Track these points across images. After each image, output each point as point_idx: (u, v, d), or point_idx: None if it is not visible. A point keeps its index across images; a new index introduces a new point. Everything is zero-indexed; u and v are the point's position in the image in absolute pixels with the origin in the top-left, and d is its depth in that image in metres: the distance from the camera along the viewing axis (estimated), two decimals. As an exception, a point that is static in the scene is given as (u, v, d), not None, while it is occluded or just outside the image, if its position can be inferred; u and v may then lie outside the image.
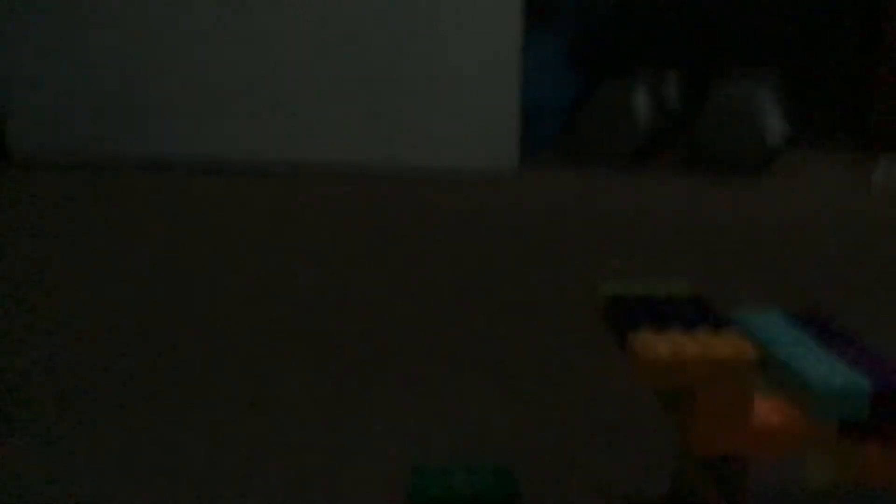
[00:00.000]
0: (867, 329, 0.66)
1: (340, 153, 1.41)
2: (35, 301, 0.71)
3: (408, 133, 1.40)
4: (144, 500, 0.40)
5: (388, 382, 0.56)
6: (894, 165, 1.39)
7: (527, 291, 0.76)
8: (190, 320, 0.67)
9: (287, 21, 1.39)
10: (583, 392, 0.55)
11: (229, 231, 0.97)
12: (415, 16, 1.36)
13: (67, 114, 1.42)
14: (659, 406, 0.54)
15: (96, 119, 1.43)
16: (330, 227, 1.01)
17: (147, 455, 0.45)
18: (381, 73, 1.38)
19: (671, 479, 0.41)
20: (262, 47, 1.40)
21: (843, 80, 1.75)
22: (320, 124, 1.40)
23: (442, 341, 0.64)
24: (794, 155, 1.57)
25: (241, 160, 1.42)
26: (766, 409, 0.35)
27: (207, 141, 1.43)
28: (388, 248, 0.91)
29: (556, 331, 0.66)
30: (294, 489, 0.42)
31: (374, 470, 0.43)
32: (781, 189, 1.30)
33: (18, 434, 0.47)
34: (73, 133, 1.43)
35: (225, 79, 1.41)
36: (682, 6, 1.78)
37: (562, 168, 1.44)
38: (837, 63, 1.75)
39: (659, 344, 0.33)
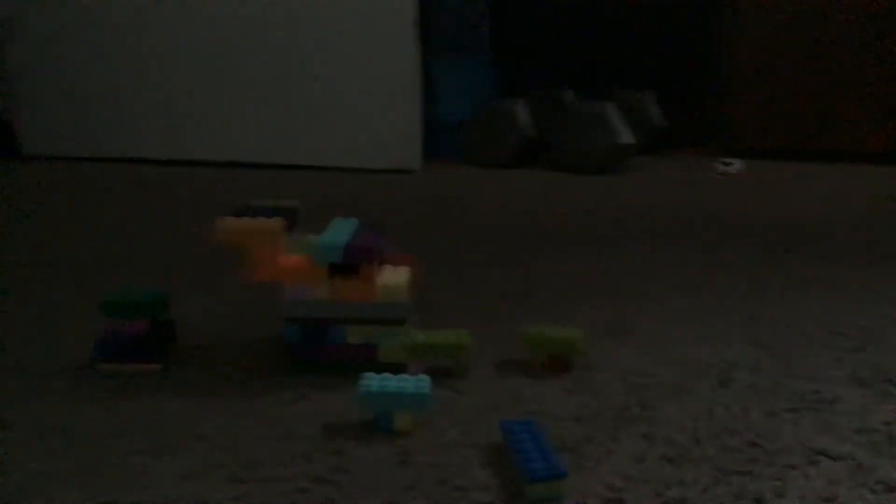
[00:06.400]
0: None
1: (280, 153, 1.76)
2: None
3: (336, 139, 1.73)
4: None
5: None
6: (733, 163, 1.65)
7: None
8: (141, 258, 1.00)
9: (230, 41, 1.73)
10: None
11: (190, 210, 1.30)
12: (337, 59, 1.70)
13: (71, 114, 1.80)
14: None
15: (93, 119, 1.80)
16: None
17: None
18: (319, 96, 1.72)
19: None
20: (212, 61, 1.74)
21: (705, 99, 2.03)
22: (274, 130, 1.75)
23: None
24: (650, 158, 1.84)
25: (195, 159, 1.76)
26: (294, 259, 0.64)
27: (184, 141, 1.78)
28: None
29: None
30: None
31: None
32: (625, 183, 1.59)
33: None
34: (75, 131, 1.80)
35: (194, 87, 1.76)
36: (578, 38, 2.07)
37: (457, 169, 1.75)
38: (700, 85, 2.03)
39: (230, 221, 0.63)
